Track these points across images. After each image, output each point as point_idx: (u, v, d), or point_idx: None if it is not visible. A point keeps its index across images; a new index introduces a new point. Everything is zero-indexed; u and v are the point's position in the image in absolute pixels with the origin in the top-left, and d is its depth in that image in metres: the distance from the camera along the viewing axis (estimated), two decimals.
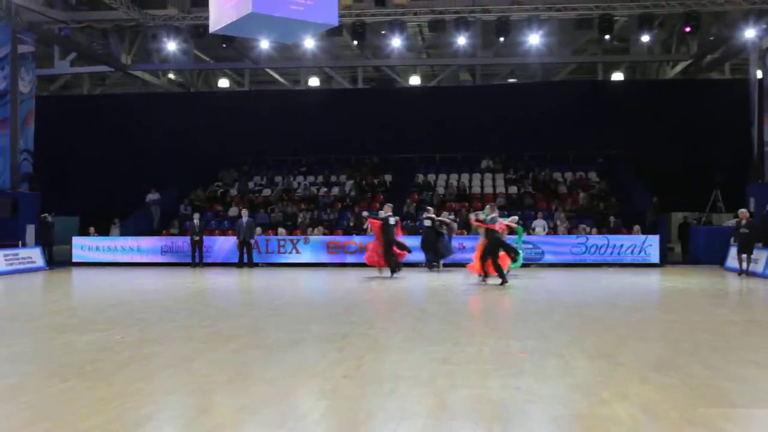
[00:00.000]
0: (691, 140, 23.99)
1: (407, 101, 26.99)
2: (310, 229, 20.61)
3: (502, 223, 13.96)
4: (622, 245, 18.83)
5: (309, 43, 22.50)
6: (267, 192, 24.63)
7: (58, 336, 7.99)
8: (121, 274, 17.22)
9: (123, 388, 5.45)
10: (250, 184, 25.31)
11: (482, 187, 24.29)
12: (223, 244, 20.15)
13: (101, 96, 30.16)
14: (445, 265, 17.70)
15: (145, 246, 20.49)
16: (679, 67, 25.45)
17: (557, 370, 6.04)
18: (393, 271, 15.61)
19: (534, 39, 20.76)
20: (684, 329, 8.40)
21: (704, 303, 11.34)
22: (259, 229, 20.18)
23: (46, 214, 20.41)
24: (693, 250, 20.79)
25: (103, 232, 21.57)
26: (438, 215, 18.06)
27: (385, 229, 15.45)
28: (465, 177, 24.81)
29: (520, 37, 21.21)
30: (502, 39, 20.66)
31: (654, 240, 18.79)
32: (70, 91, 30.32)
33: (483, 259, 13.70)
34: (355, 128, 25.89)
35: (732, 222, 18.41)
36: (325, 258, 19.63)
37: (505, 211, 22.00)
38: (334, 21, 6.89)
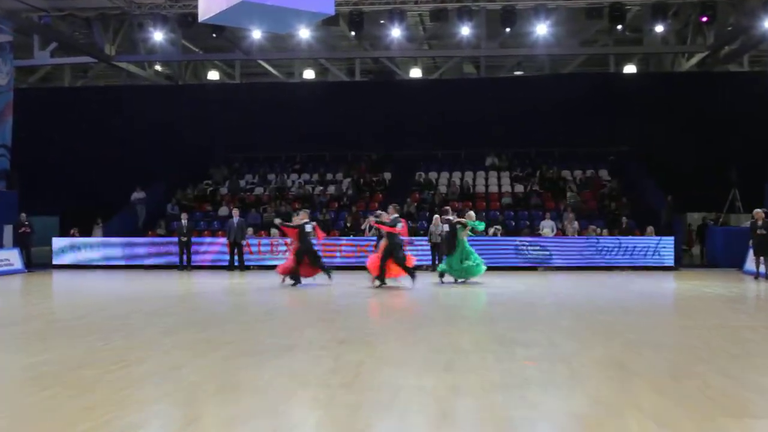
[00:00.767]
0: (707, 136, 23.95)
1: (407, 95, 26.96)
2: None
3: (405, 225, 14.53)
4: (635, 247, 18.85)
5: (303, 33, 22.40)
6: (259, 191, 24.64)
7: (36, 342, 7.98)
8: (103, 277, 17.20)
9: (107, 396, 5.45)
10: (241, 183, 25.32)
11: (487, 186, 24.31)
12: (212, 246, 20.13)
13: (83, 88, 30.06)
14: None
15: (130, 247, 20.44)
16: (695, 59, 25.38)
17: (565, 379, 6.04)
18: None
19: (541, 29, 20.72)
20: (700, 335, 8.41)
21: (720, 308, 11.34)
22: (250, 230, 20.18)
23: (24, 215, 20.31)
24: (710, 252, 20.80)
25: (86, 232, 21.52)
26: (441, 215, 17.97)
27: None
28: (469, 175, 24.81)
29: (526, 27, 21.16)
30: (508, 29, 20.67)
31: (668, 242, 18.80)
32: (51, 83, 30.27)
33: (383, 260, 14.03)
34: (353, 123, 25.88)
35: (748, 223, 18.40)
36: None
37: (510, 211, 22.10)
38: (330, 10, 6.90)
